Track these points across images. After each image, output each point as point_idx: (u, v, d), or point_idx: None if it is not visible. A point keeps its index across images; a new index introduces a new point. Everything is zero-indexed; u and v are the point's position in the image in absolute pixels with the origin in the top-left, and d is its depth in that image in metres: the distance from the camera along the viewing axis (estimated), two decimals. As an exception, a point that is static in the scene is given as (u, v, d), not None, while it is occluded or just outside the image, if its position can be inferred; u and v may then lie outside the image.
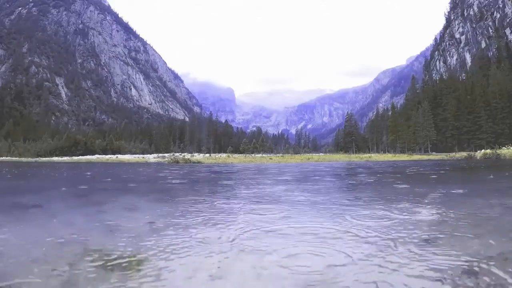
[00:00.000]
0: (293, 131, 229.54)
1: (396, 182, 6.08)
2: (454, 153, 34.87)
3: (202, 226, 2.35)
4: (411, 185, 5.54)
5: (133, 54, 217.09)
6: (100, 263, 1.50)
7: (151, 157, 36.51)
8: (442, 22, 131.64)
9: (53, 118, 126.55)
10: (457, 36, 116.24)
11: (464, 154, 30.09)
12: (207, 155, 42.00)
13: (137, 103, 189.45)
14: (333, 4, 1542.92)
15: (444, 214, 2.64)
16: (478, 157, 23.16)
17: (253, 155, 43.10)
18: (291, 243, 1.84)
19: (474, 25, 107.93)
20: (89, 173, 11.38)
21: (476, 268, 1.38)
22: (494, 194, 4.00)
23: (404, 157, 34.10)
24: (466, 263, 1.44)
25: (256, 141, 79.48)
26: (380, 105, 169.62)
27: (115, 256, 1.59)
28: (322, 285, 1.25)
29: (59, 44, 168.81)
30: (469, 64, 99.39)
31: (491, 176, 7.30)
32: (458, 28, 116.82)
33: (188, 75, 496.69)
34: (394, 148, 61.98)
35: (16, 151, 62.19)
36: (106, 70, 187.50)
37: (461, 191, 4.27)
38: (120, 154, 52.00)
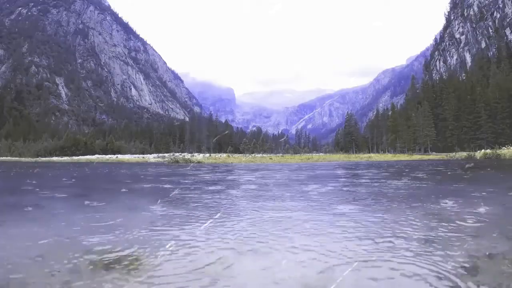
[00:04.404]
0: (293, 131, 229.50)
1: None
2: (454, 153, 34.83)
3: (203, 226, 2.35)
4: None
5: (133, 54, 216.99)
6: (100, 263, 1.50)
7: (151, 157, 36.49)
8: (442, 22, 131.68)
9: (53, 118, 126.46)
10: (457, 36, 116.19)
11: (464, 154, 30.08)
12: (207, 155, 41.97)
13: (137, 103, 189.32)
14: (333, 4, 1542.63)
15: None
16: (478, 157, 23.15)
17: (253, 155, 43.06)
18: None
19: (474, 25, 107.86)
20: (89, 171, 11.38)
21: (476, 268, 1.38)
22: None
23: (404, 157, 34.08)
24: (466, 262, 1.44)
25: (256, 141, 79.40)
26: (380, 105, 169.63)
27: (115, 256, 1.59)
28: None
29: (59, 44, 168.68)
30: (469, 64, 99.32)
31: None
32: (458, 28, 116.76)
33: (188, 75, 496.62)
34: (394, 148, 61.92)
35: (16, 151, 62.12)
36: (106, 70, 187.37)
37: None
38: (120, 154, 51.97)
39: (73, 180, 8.52)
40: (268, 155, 45.41)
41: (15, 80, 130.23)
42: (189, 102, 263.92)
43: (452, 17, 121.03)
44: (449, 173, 9.05)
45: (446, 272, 1.34)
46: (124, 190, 5.56)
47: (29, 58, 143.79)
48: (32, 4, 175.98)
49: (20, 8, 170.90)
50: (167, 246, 1.78)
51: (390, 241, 1.83)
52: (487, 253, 1.56)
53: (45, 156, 53.20)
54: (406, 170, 10.74)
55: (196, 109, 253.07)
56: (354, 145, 71.70)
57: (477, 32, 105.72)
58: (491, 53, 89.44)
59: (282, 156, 38.88)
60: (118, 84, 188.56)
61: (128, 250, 1.68)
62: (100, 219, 2.64)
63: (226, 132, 70.79)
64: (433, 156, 34.25)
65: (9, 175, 10.64)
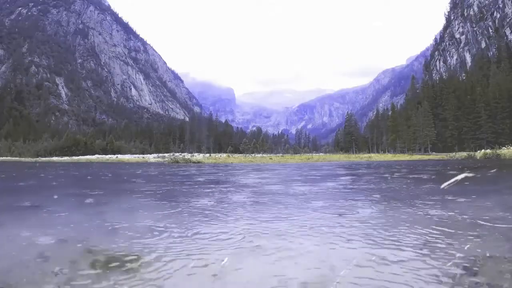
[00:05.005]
0: (293, 131, 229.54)
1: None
2: (454, 153, 34.85)
3: (202, 226, 2.36)
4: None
5: (133, 54, 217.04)
6: (100, 263, 1.50)
7: (151, 157, 36.51)
8: (442, 22, 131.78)
9: (53, 118, 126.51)
10: (457, 36, 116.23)
11: (464, 154, 30.08)
12: (207, 155, 41.98)
13: (137, 103, 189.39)
14: (333, 5, 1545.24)
15: None
16: (478, 157, 23.16)
17: (253, 155, 43.07)
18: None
19: (474, 25, 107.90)
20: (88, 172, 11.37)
21: (476, 268, 1.38)
22: None
23: (404, 157, 34.10)
24: (466, 263, 1.45)
25: (256, 141, 79.41)
26: (380, 105, 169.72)
27: (115, 256, 1.59)
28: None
29: (59, 44, 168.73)
30: (469, 64, 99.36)
31: None
32: (458, 28, 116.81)
33: (188, 75, 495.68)
34: (394, 148, 61.95)
35: (16, 151, 62.12)
36: (106, 70, 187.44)
37: None
38: (120, 154, 51.99)
39: (73, 180, 8.53)
40: (268, 155, 45.45)
41: (15, 80, 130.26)
42: (189, 102, 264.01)
43: (452, 17, 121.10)
44: (448, 173, 9.06)
45: (446, 272, 1.34)
46: (124, 190, 5.56)
47: (29, 58, 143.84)
48: (32, 4, 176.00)
49: (20, 8, 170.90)
50: (167, 246, 1.78)
51: (389, 241, 1.83)
52: (487, 253, 1.56)
53: (45, 156, 53.22)
54: (406, 170, 10.75)
55: (196, 109, 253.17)
56: (354, 145, 71.73)
57: (477, 32, 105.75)
58: (491, 53, 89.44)
59: (282, 156, 38.92)
60: (118, 84, 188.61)
61: (129, 250, 1.68)
62: (100, 219, 2.64)
63: None
64: (433, 156, 34.26)
65: (9, 175, 10.64)
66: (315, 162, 22.50)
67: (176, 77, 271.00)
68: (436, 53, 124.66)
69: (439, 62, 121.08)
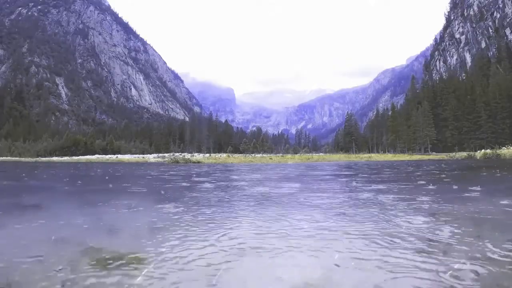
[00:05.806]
0: (293, 131, 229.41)
1: None
2: (454, 153, 34.85)
3: (202, 226, 2.35)
4: None
5: (133, 54, 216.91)
6: (100, 263, 1.50)
7: (151, 157, 36.52)
8: (442, 22, 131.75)
9: (53, 118, 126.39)
10: (457, 36, 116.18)
11: (464, 154, 30.08)
12: (207, 155, 41.96)
13: (137, 103, 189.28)
14: (333, 5, 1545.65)
15: None
16: (478, 157, 23.18)
17: (253, 155, 43.05)
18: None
19: (474, 25, 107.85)
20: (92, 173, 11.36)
21: (476, 268, 1.38)
22: None
23: (404, 157, 34.10)
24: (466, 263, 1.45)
25: (256, 141, 79.39)
26: (380, 105, 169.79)
27: (115, 256, 1.59)
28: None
29: (59, 44, 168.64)
30: (469, 64, 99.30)
31: None
32: (458, 28, 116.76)
33: (188, 75, 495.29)
34: (394, 148, 61.93)
35: (16, 151, 62.08)
36: (106, 70, 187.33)
37: None
38: (120, 154, 51.98)
39: (72, 180, 8.53)
40: (268, 155, 45.42)
41: (15, 80, 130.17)
42: (189, 102, 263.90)
43: (452, 17, 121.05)
44: (449, 173, 9.05)
45: (446, 272, 1.34)
46: (123, 190, 5.56)
47: (29, 58, 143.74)
48: (32, 4, 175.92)
49: (20, 8, 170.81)
50: (167, 246, 1.77)
51: (389, 242, 1.83)
52: (487, 254, 1.56)
53: (45, 156, 53.21)
54: (407, 170, 10.76)
55: (196, 109, 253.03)
56: (354, 145, 71.67)
57: (477, 32, 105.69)
58: (491, 53, 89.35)
59: (282, 156, 38.89)
60: (118, 84, 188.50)
61: (129, 250, 1.68)
62: (100, 219, 2.64)
63: None
64: (433, 156, 34.26)
65: (9, 176, 10.64)
66: (315, 162, 22.50)
67: (176, 77, 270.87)
68: (436, 53, 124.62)
69: (439, 62, 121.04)
